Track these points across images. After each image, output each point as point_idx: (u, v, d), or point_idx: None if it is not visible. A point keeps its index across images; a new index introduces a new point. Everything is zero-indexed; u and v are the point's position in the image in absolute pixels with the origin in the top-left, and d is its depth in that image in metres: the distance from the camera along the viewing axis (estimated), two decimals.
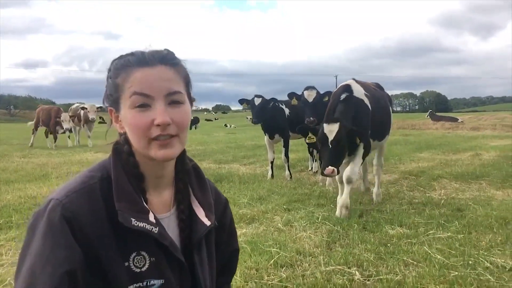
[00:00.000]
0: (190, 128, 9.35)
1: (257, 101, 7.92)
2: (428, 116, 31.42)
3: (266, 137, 8.39)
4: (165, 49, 1.23)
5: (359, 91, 5.42)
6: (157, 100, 1.14)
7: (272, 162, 8.34)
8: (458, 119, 28.93)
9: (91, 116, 15.67)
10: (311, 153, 9.20)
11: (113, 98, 1.20)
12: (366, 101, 5.39)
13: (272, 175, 8.23)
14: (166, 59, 1.19)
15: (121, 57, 1.21)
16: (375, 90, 5.91)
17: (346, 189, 5.24)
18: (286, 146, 8.34)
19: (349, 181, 5.23)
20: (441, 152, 12.23)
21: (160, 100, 1.14)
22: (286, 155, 8.31)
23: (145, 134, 1.14)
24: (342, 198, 5.23)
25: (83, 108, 16.00)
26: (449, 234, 4.40)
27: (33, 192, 6.72)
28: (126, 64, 1.17)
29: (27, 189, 6.99)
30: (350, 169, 5.25)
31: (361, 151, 5.27)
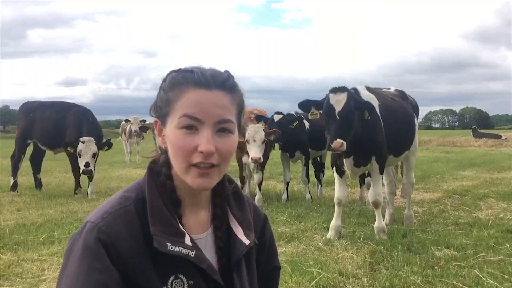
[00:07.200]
0: None
1: (277, 118, 7.12)
2: (471, 133, 30.26)
3: (283, 155, 7.57)
4: (226, 72, 1.17)
5: (368, 96, 4.95)
6: (206, 126, 1.09)
7: (288, 183, 7.56)
8: (501, 136, 27.82)
9: (134, 128, 15.14)
10: (318, 178, 8.11)
11: (162, 111, 1.15)
12: (376, 108, 4.88)
13: (288, 198, 7.38)
14: (224, 84, 1.13)
15: (179, 70, 1.16)
16: (393, 100, 5.41)
17: (377, 213, 5.00)
18: (306, 164, 7.53)
19: (377, 204, 4.94)
20: (485, 170, 11.78)
21: (209, 126, 1.09)
22: (307, 175, 7.48)
23: (186, 158, 1.09)
24: (376, 223, 4.98)
25: (126, 121, 15.89)
26: (500, 257, 4.17)
27: (75, 207, 6.87)
28: (183, 81, 1.12)
29: (69, 204, 7.15)
30: (373, 191, 4.95)
31: (375, 165, 4.88)
